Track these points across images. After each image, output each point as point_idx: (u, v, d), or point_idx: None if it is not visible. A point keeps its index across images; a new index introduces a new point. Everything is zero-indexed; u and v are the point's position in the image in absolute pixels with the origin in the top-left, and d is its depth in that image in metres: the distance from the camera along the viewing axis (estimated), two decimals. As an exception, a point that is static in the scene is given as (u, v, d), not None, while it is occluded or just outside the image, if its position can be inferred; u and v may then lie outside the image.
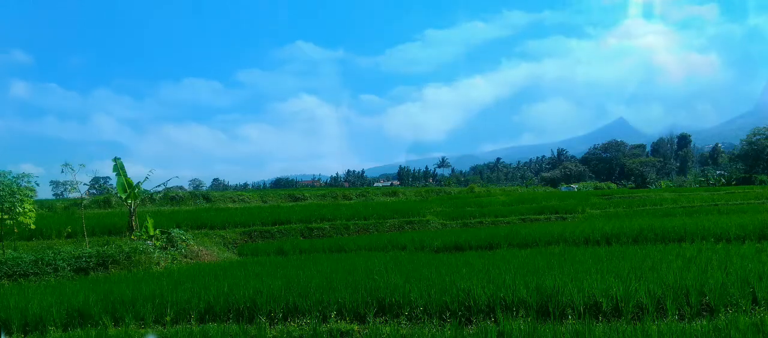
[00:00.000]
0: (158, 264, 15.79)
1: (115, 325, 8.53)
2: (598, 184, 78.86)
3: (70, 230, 20.83)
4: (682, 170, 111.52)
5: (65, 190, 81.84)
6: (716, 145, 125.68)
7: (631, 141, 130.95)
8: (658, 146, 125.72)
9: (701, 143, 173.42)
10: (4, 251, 15.21)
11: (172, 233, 18.68)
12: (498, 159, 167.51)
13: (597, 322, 7.22)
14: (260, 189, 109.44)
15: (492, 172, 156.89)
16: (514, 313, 7.67)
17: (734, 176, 70.36)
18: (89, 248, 15.78)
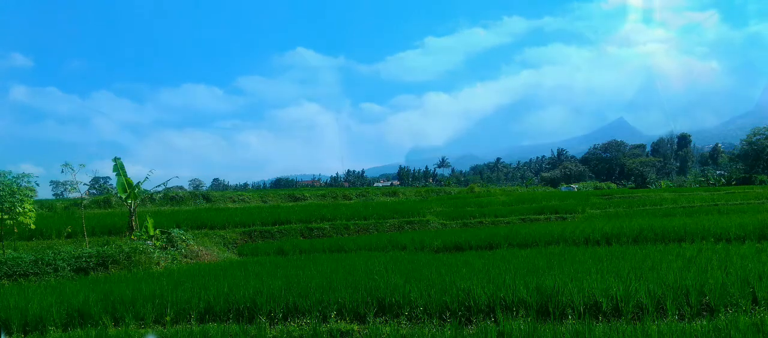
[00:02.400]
0: (158, 264, 15.79)
1: (115, 325, 8.54)
2: (598, 184, 78.83)
3: (70, 230, 20.83)
4: (682, 170, 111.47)
5: (65, 190, 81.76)
6: (716, 145, 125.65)
7: (631, 141, 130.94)
8: (658, 146, 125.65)
9: (701, 143, 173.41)
10: (4, 251, 15.21)
11: (172, 233, 18.68)
12: (498, 159, 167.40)
13: (597, 322, 7.22)
14: (260, 189, 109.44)
15: (492, 172, 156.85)
16: (514, 313, 7.66)
17: (734, 176, 70.33)
18: (89, 248, 15.77)
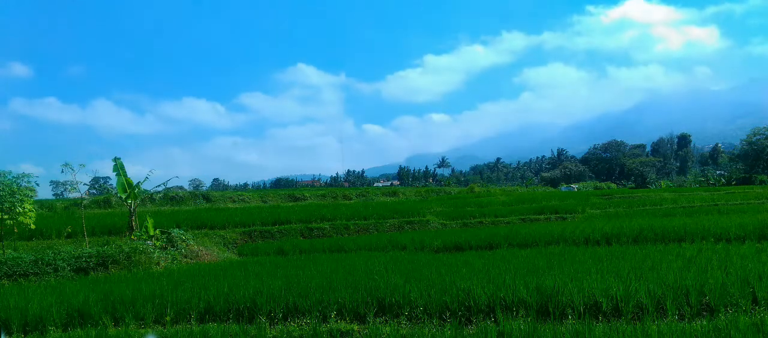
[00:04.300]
0: (158, 264, 15.79)
1: (115, 325, 8.54)
2: (598, 184, 78.83)
3: (70, 230, 20.82)
4: (682, 170, 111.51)
5: (65, 190, 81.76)
6: (716, 145, 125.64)
7: (631, 141, 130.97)
8: (658, 146, 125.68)
9: (701, 144, 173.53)
10: (4, 251, 15.21)
11: (172, 233, 18.68)
12: (498, 159, 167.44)
13: (597, 322, 7.22)
14: (260, 189, 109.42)
15: (492, 172, 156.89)
16: (514, 313, 7.67)
17: (734, 176, 70.34)
18: (89, 248, 15.77)
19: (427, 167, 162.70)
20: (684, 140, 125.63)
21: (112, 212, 29.84)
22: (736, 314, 7.06)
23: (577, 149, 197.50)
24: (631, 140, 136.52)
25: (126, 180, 20.55)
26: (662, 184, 77.74)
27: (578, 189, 64.94)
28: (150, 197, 37.37)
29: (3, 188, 15.14)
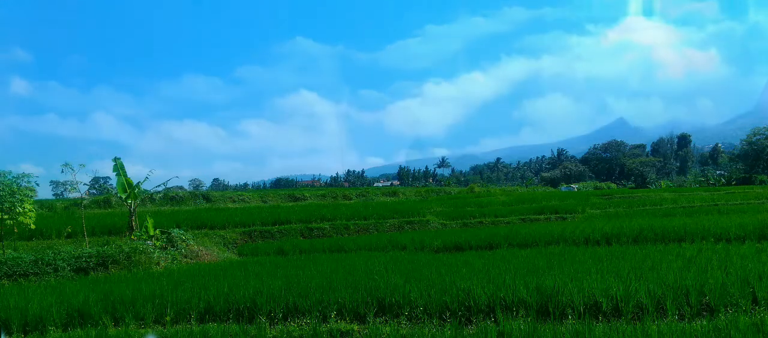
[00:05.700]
0: (158, 264, 15.79)
1: (115, 325, 8.54)
2: (598, 184, 78.81)
3: (70, 230, 20.81)
4: (682, 170, 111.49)
5: (65, 190, 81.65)
6: (716, 145, 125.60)
7: (631, 141, 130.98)
8: (658, 146, 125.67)
9: (701, 143, 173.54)
10: (4, 251, 15.20)
11: (172, 233, 18.68)
12: (498, 159, 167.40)
13: (597, 322, 7.22)
14: (260, 189, 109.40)
15: (492, 172, 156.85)
16: (514, 313, 7.67)
17: (734, 176, 70.32)
18: (89, 248, 15.77)
19: (427, 167, 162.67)
20: (684, 140, 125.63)
21: (112, 212, 29.84)
22: (736, 314, 7.06)
23: (577, 149, 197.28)
24: (631, 140, 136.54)
25: (126, 180, 20.54)
26: (662, 184, 77.73)
27: (578, 189, 64.90)
28: (150, 197, 37.37)
29: (3, 188, 15.14)
